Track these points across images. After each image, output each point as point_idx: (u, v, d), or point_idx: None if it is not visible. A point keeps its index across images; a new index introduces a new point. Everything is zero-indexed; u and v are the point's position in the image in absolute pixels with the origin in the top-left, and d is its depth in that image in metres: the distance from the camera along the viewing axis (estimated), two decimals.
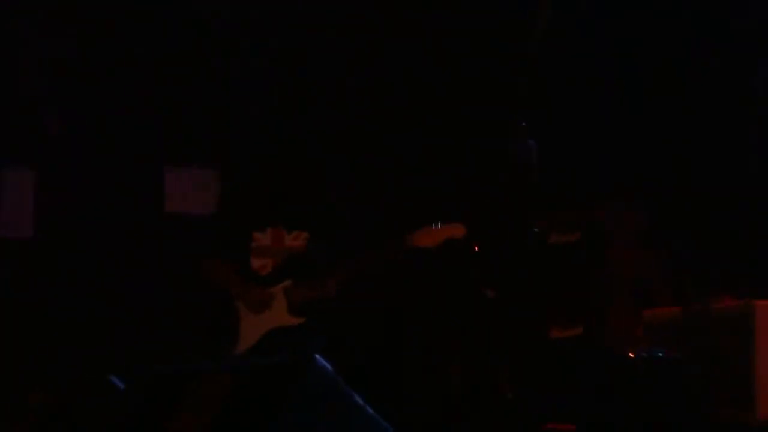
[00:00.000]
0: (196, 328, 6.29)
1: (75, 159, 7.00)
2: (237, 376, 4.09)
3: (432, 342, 6.86)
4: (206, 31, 7.17)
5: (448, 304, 6.91)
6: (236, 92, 7.19)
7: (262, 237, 6.06)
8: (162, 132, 7.19)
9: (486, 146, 6.89)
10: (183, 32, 7.14)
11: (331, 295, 5.84)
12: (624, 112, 6.80)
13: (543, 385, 6.14)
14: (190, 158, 7.24)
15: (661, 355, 5.49)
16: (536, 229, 6.25)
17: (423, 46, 7.12)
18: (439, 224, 5.83)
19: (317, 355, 3.85)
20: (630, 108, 6.81)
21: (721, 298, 5.75)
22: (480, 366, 6.44)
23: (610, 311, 6.26)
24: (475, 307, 6.60)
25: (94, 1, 7.03)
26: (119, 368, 4.33)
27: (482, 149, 6.97)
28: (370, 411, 3.82)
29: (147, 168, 7.17)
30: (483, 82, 7.05)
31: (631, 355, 5.56)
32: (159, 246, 7.07)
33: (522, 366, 6.17)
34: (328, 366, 3.85)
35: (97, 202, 7.05)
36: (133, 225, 7.12)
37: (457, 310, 6.83)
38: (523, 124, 5.96)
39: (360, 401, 3.83)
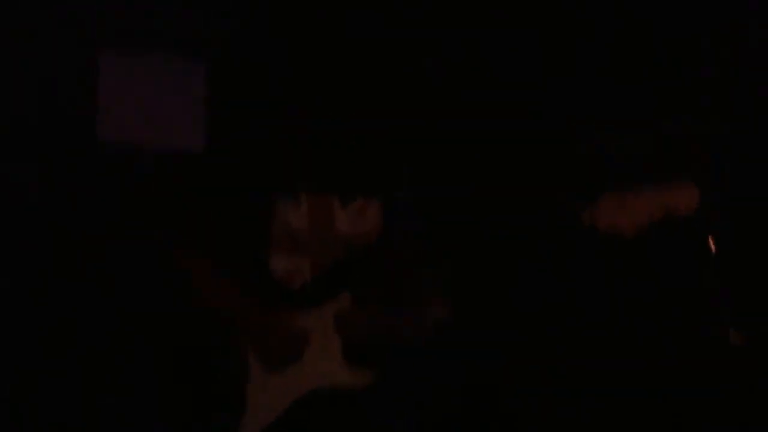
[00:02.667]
0: (161, 387, 3.87)
1: None
2: None
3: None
4: None
5: (660, 353, 4.25)
6: None
7: (291, 211, 3.36)
8: None
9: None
10: None
11: (434, 327, 3.31)
12: None
13: None
14: (151, 35, 4.17)
15: None
16: None
17: None
18: (647, 184, 3.15)
19: None
20: None
21: None
22: None
23: None
24: (710, 362, 4.05)
25: None
26: None
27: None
28: None
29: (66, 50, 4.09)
30: None
31: None
32: (81, 216, 4.11)
33: None
34: None
35: None
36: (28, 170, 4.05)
37: (677, 367, 4.21)
38: None
39: None
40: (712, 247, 3.39)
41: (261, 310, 3.29)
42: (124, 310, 4.15)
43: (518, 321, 4.08)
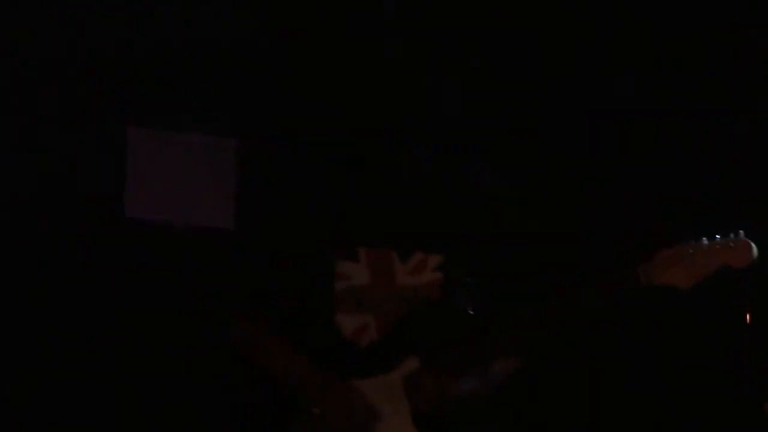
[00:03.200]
0: None
1: None
2: None
3: None
4: None
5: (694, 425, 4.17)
6: None
7: (352, 270, 3.26)
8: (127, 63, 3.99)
9: None
10: None
11: (502, 381, 3.20)
12: None
13: None
14: (181, 112, 3.99)
15: None
16: None
17: None
18: (704, 240, 3.08)
19: None
20: None
21: None
22: None
23: None
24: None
25: None
26: None
27: None
28: None
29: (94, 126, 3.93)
30: None
31: None
32: (114, 293, 4.00)
33: None
34: None
35: None
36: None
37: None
38: None
39: None
40: (748, 318, 3.38)
41: (331, 382, 3.18)
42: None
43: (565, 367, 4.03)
